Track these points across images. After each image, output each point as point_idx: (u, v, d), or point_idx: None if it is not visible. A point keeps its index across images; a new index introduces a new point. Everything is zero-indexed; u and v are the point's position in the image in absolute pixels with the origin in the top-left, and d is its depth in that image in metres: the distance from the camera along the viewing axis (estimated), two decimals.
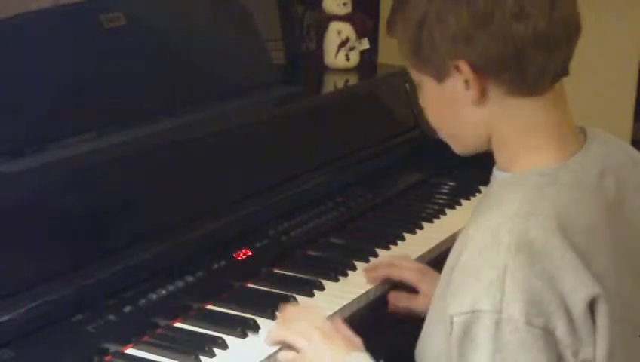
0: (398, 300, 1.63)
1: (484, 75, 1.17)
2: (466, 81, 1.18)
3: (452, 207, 2.07)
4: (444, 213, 2.03)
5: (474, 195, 2.13)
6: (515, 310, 1.09)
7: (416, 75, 1.26)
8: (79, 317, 1.42)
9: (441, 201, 2.11)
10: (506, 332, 1.10)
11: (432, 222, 1.99)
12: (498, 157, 1.25)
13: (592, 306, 1.13)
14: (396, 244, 1.85)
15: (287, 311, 1.47)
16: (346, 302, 1.60)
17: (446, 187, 2.20)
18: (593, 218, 1.19)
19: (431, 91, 1.24)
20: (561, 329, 1.11)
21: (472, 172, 2.21)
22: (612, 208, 1.22)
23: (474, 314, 1.11)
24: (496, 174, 1.26)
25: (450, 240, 1.90)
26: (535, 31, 1.14)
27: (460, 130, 1.25)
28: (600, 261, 1.16)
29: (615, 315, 1.15)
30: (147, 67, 1.79)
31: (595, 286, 1.13)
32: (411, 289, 1.65)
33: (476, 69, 1.17)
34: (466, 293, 1.13)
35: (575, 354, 1.12)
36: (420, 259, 1.81)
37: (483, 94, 1.19)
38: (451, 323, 1.14)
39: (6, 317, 1.33)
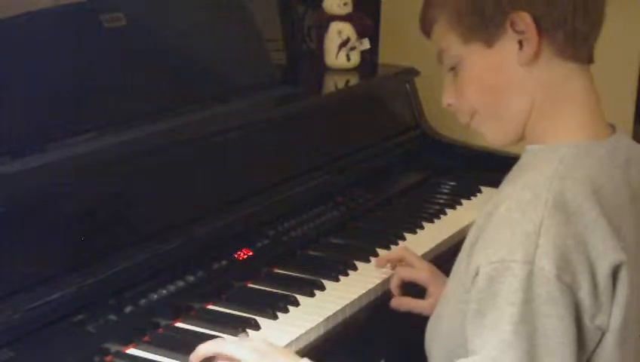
0: (400, 305, 1.61)
1: (541, 32, 1.20)
2: (520, 42, 1.20)
3: (453, 207, 2.07)
4: (445, 213, 2.03)
5: (474, 195, 2.14)
6: (546, 263, 1.11)
7: (457, 50, 1.24)
8: (80, 317, 1.42)
9: (441, 201, 2.11)
10: (537, 283, 1.11)
11: (432, 221, 1.99)
12: (534, 129, 1.26)
13: (615, 273, 1.15)
14: (397, 244, 1.85)
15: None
16: (347, 301, 1.60)
17: (446, 187, 2.20)
18: (621, 195, 1.22)
19: (476, 62, 1.24)
20: (584, 291, 1.13)
21: (473, 172, 2.22)
22: (636, 197, 1.25)
23: (503, 263, 1.12)
24: (529, 148, 1.27)
25: (451, 240, 1.90)
26: None
27: (503, 103, 1.25)
28: (625, 234, 1.19)
29: (634, 287, 1.17)
30: (147, 67, 1.79)
31: (621, 254, 1.15)
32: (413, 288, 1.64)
33: (536, 23, 1.19)
34: (498, 245, 1.14)
35: (592, 318, 1.15)
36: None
37: (536, 54, 1.21)
38: (477, 274, 1.15)
39: (6, 317, 1.33)
